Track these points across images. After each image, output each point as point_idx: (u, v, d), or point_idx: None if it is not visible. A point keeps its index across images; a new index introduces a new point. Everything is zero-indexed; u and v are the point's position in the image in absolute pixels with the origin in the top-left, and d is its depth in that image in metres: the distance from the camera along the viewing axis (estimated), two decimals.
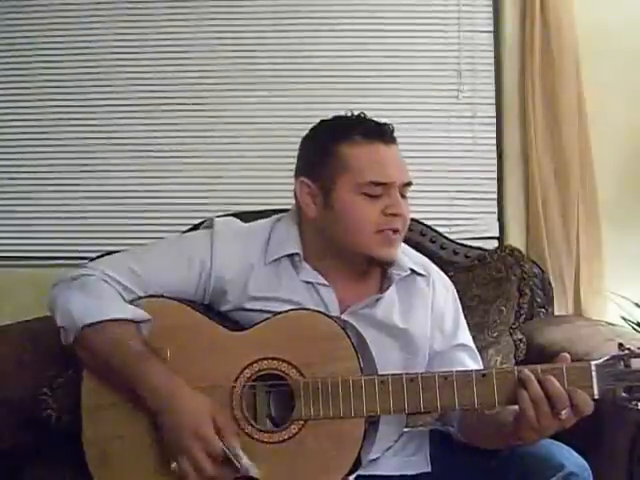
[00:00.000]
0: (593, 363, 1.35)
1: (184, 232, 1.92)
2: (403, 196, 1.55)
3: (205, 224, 1.67)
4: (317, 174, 1.55)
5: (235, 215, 1.77)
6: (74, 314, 1.48)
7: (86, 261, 1.63)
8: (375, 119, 1.58)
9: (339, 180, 1.52)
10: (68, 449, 1.53)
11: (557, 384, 1.33)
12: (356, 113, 1.58)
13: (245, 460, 1.38)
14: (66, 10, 2.61)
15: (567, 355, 1.39)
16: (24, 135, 2.62)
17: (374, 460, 1.54)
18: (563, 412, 1.32)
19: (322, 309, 1.52)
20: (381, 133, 1.54)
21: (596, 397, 1.34)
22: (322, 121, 1.61)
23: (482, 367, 1.63)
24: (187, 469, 1.38)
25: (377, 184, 1.51)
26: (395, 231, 1.53)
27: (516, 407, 1.36)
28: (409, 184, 1.56)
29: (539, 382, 1.34)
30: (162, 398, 1.41)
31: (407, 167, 1.58)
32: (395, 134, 1.57)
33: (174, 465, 1.39)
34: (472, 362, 1.60)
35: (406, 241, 1.66)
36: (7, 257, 2.61)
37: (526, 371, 1.36)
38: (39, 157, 2.61)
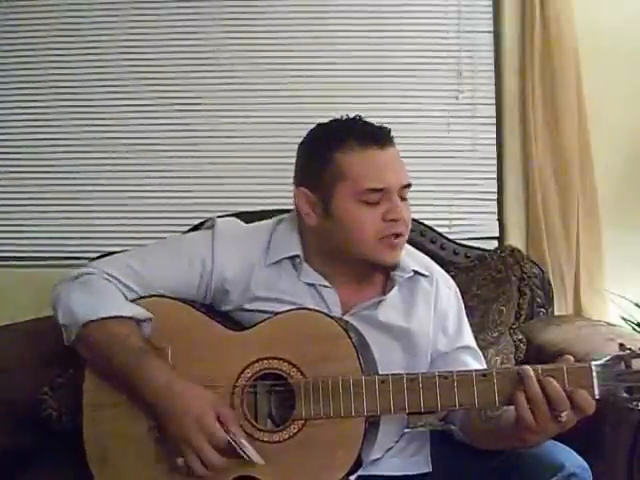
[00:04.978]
0: (594, 363, 1.34)
1: (185, 232, 1.93)
2: (403, 198, 1.53)
3: (207, 224, 1.67)
4: (314, 183, 1.53)
5: (236, 215, 1.77)
6: (75, 312, 1.48)
7: (86, 261, 1.64)
8: (371, 121, 1.55)
9: (336, 189, 1.50)
10: (68, 449, 1.53)
11: (556, 386, 1.32)
12: (351, 116, 1.56)
13: (250, 450, 1.38)
14: (76, 10, 2.61)
15: (570, 357, 1.38)
16: (24, 135, 2.62)
17: (375, 460, 1.54)
18: (563, 414, 1.31)
19: (324, 310, 1.51)
20: (376, 137, 1.52)
21: (597, 397, 1.33)
22: (317, 127, 1.59)
23: (485, 368, 1.62)
24: (193, 462, 1.37)
25: (374, 190, 1.49)
26: (398, 235, 1.52)
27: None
28: (408, 186, 1.54)
29: (539, 382, 1.33)
30: (162, 394, 1.41)
31: (406, 168, 1.55)
32: (395, 135, 1.55)
33: (180, 460, 1.39)
34: (476, 363, 1.60)
35: (407, 241, 1.66)
36: (7, 257, 2.61)
37: (526, 368, 1.34)
38: (39, 157, 2.61)
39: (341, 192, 1.50)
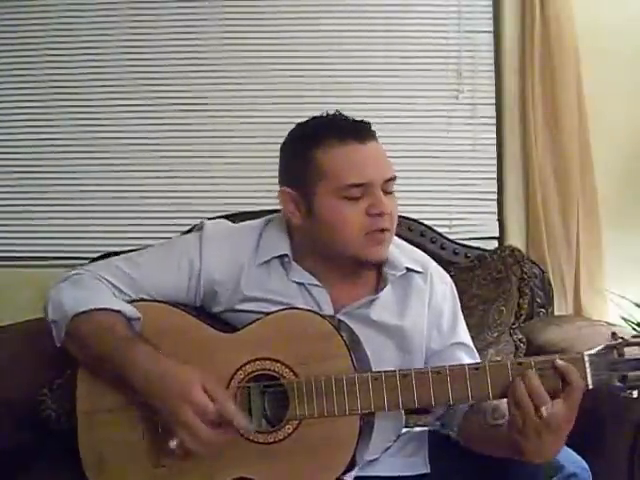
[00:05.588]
0: (586, 353, 1.34)
1: (183, 233, 1.93)
2: (388, 192, 1.51)
3: (196, 227, 1.67)
4: (297, 182, 1.52)
5: (233, 215, 1.77)
6: (65, 305, 1.48)
7: (86, 261, 1.64)
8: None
9: (318, 187, 1.49)
10: (68, 449, 1.52)
11: (535, 381, 1.30)
12: (331, 112, 1.55)
13: (241, 418, 1.36)
14: (74, 10, 2.61)
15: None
16: (24, 135, 2.62)
17: (373, 461, 1.54)
18: (543, 409, 1.29)
19: (315, 309, 1.51)
20: (356, 132, 1.50)
21: (590, 387, 1.33)
22: (296, 126, 1.58)
23: None
24: (185, 439, 1.35)
25: (355, 186, 1.47)
26: (383, 230, 1.50)
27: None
28: (393, 179, 1.52)
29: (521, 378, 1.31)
30: (152, 380, 1.39)
31: (390, 162, 1.53)
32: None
33: (173, 442, 1.36)
34: (470, 360, 1.57)
35: (406, 242, 1.65)
36: (7, 257, 2.61)
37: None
38: (39, 157, 2.62)
39: (323, 190, 1.49)
